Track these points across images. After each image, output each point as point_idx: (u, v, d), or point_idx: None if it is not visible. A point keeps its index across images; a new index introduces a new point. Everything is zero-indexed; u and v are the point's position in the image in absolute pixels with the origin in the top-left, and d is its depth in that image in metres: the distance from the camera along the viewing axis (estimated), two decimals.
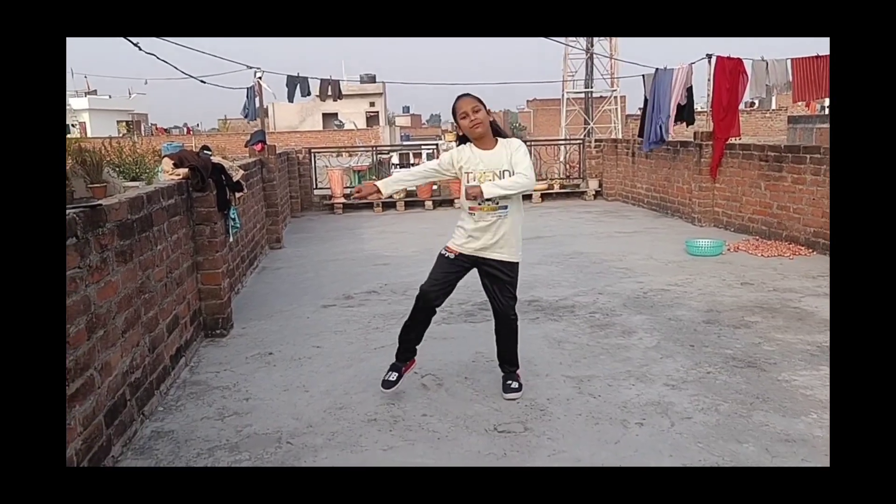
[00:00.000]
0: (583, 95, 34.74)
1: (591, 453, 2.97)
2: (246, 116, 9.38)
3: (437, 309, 3.58)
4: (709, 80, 8.60)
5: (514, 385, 3.58)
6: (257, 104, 8.74)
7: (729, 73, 8.28)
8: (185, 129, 44.06)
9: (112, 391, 2.98)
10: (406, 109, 67.52)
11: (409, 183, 3.93)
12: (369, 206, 11.75)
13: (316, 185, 12.19)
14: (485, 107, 3.37)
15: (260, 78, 8.41)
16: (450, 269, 3.49)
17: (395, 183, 3.70)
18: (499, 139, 3.44)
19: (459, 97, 3.40)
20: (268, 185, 8.13)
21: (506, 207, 3.39)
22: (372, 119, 40.64)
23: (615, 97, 34.78)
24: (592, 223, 9.65)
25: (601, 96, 35.32)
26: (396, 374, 3.59)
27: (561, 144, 14.71)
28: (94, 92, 44.89)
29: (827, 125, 29.33)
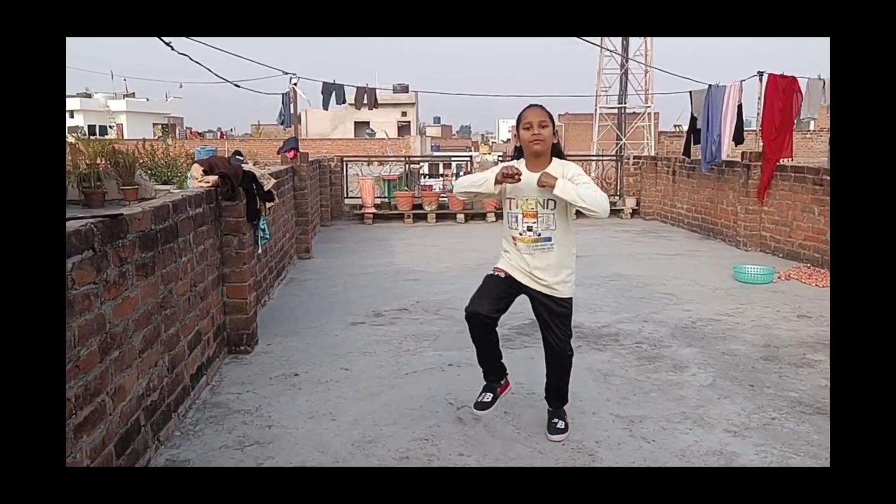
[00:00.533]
0: (615, 111, 34.32)
1: None
2: (282, 123, 9.22)
3: (497, 327, 3.21)
4: (759, 98, 8.22)
5: (561, 425, 3.27)
6: (292, 111, 8.58)
7: (782, 92, 7.90)
8: (219, 134, 44.51)
9: (125, 417, 2.74)
10: (437, 120, 67.61)
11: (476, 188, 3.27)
12: (400, 216, 11.52)
13: (347, 193, 12.00)
14: (553, 125, 3.07)
15: (295, 84, 8.25)
16: (498, 286, 3.14)
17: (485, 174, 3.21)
18: (554, 159, 3.13)
19: (530, 106, 3.09)
20: (299, 194, 7.93)
21: (549, 239, 3.08)
22: (403, 129, 40.64)
23: (649, 113, 34.31)
24: (631, 243, 9.29)
25: (634, 112, 34.89)
26: (491, 395, 3.30)
27: (595, 160, 14.36)
28: (133, 94, 45.68)
29: None
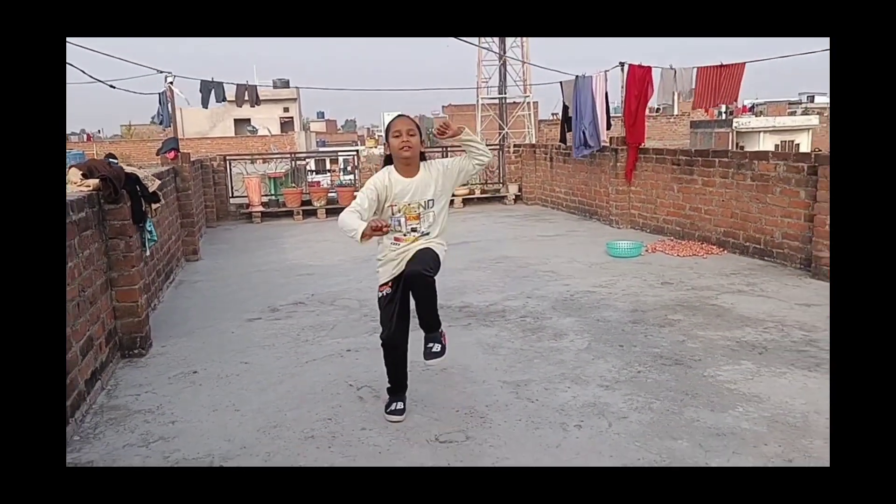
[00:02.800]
0: (496, 101, 35.27)
1: (534, 459, 2.98)
2: (161, 123, 8.93)
3: (406, 343, 3.39)
4: (622, 87, 8.91)
5: (436, 348, 3.26)
6: (170, 110, 8.36)
7: (638, 81, 8.62)
8: (86, 136, 41.68)
9: None
10: (321, 115, 66.48)
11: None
12: (289, 214, 11.47)
13: (232, 193, 11.78)
14: (421, 134, 3.28)
15: (171, 83, 8.03)
16: (393, 307, 3.29)
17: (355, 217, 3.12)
18: (421, 165, 3.30)
19: (398, 116, 3.29)
20: (182, 195, 7.77)
21: (428, 233, 3.29)
22: (286, 124, 39.81)
23: (528, 103, 35.54)
24: (515, 227, 9.79)
25: (515, 102, 36.02)
26: (402, 404, 3.44)
27: None
28: None
29: (724, 129, 31.10)
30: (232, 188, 11.80)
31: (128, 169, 4.36)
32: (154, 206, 4.63)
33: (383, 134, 3.39)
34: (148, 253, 4.91)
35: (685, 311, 5.13)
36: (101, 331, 4.03)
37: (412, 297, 3.31)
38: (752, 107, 38.97)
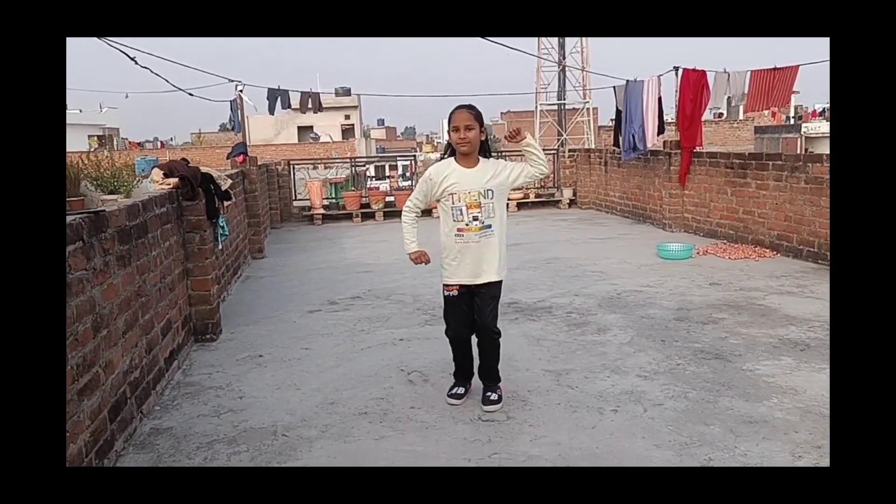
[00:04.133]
0: (556, 107, 35.21)
1: (569, 437, 3.17)
2: (232, 128, 9.49)
3: (471, 336, 3.61)
4: (676, 91, 8.95)
5: (493, 397, 3.52)
6: (240, 117, 8.89)
7: (693, 85, 8.64)
8: (159, 144, 43.76)
9: (115, 388, 3.12)
10: (381, 122, 67.66)
11: (415, 225, 3.64)
12: (349, 216, 11.91)
13: (295, 196, 12.31)
14: (481, 125, 3.37)
15: (241, 91, 8.55)
16: (460, 304, 3.50)
17: (413, 233, 3.61)
18: (481, 158, 3.44)
19: (458, 108, 3.35)
20: (250, 196, 8.26)
21: (490, 227, 3.39)
22: (347, 132, 40.78)
23: (588, 109, 35.37)
24: (568, 230, 9.92)
25: (574, 108, 35.89)
26: (464, 389, 3.65)
27: None
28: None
29: (793, 134, 30.18)
30: (295, 191, 12.34)
31: (203, 169, 4.77)
32: (226, 203, 5.04)
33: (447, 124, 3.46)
34: (220, 247, 5.33)
35: (730, 311, 5.20)
36: (178, 315, 4.44)
37: (478, 346, 3.59)
38: (823, 111, 37.65)
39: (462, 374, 3.70)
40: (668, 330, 4.77)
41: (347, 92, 40.16)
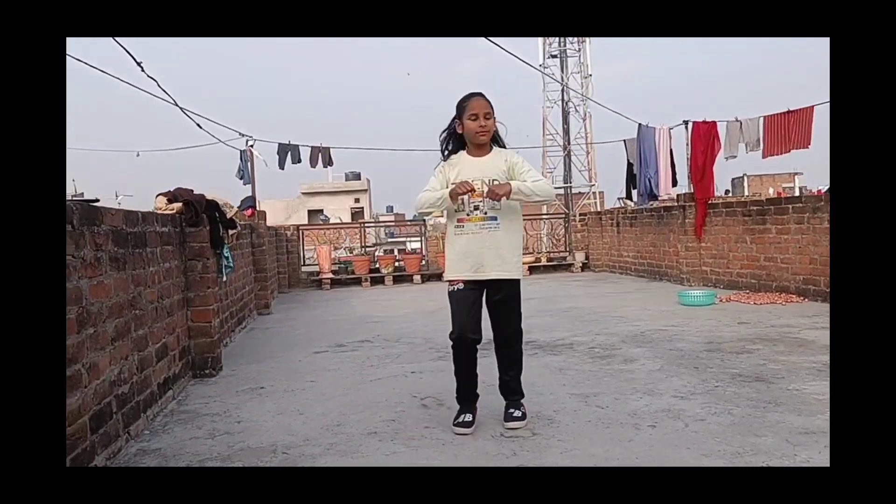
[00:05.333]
0: (561, 191, 35.63)
1: (604, 450, 2.82)
2: (241, 178, 9.46)
3: (478, 346, 3.21)
4: (687, 144, 8.91)
5: (517, 413, 3.20)
6: (250, 169, 8.87)
7: (703, 137, 8.61)
8: None
9: (98, 396, 2.82)
10: (390, 209, 68.66)
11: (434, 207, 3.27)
12: (357, 281, 11.71)
13: (304, 261, 12.17)
14: (494, 112, 3.15)
15: (252, 145, 8.57)
16: (466, 299, 3.14)
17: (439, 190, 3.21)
18: (495, 148, 3.24)
19: (473, 94, 3.14)
20: (257, 250, 8.10)
21: (495, 219, 3.13)
22: (357, 214, 41.22)
23: (594, 192, 35.79)
24: (582, 287, 9.66)
25: (580, 192, 36.32)
26: (472, 416, 3.17)
27: (545, 219, 14.98)
28: (82, 195, 45.36)
29: None
30: (304, 256, 12.20)
31: (208, 196, 4.62)
32: (231, 232, 4.86)
33: (455, 111, 3.21)
34: (224, 279, 5.10)
35: (764, 343, 4.87)
36: (176, 344, 4.16)
37: (497, 360, 3.31)
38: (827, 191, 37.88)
39: (466, 396, 3.24)
40: (699, 359, 4.44)
41: (357, 176, 40.92)
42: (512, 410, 3.22)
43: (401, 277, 11.86)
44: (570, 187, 34.88)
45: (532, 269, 12.22)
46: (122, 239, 3.26)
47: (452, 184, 3.12)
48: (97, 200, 2.96)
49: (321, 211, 38.95)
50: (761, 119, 8.30)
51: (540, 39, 37.72)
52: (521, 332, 3.27)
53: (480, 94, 3.17)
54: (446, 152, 3.29)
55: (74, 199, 2.69)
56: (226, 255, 4.88)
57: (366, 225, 14.58)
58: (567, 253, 12.78)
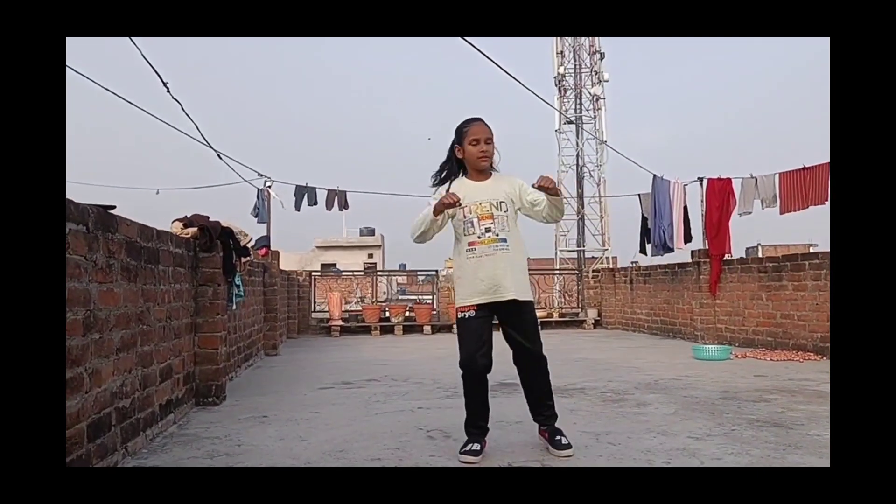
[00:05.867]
0: (574, 255, 35.61)
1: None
2: (256, 216, 9.53)
3: (489, 376, 3.15)
4: (701, 200, 8.93)
5: (565, 441, 3.08)
6: (266, 208, 8.95)
7: (718, 192, 8.62)
8: None
9: (99, 404, 2.76)
10: (403, 266, 68.98)
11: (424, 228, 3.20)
12: (367, 330, 11.61)
13: (314, 307, 12.13)
14: (493, 140, 3.16)
15: (269, 187, 8.67)
16: (476, 327, 3.09)
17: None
18: (494, 173, 3.23)
19: (474, 120, 3.15)
20: (268, 290, 8.08)
21: (505, 241, 3.09)
22: (370, 269, 41.35)
23: (607, 257, 35.79)
24: (594, 342, 9.51)
25: (593, 257, 36.32)
26: (479, 445, 3.08)
27: (557, 274, 14.90)
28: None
29: None
30: (315, 302, 12.17)
31: (223, 223, 4.65)
32: (244, 259, 4.85)
33: (455, 136, 3.21)
34: (234, 308, 5.07)
35: (782, 393, 4.73)
36: (181, 368, 4.10)
37: (523, 384, 3.25)
38: None
39: (476, 426, 3.14)
40: (715, 406, 4.30)
41: (371, 232, 41.24)
42: (559, 438, 3.12)
43: (411, 328, 11.76)
44: (584, 251, 35.05)
45: (543, 325, 12.08)
46: (136, 251, 3.26)
47: (460, 207, 3.09)
48: (114, 207, 2.97)
49: (334, 264, 39.15)
50: (777, 176, 8.32)
51: (556, 104, 38.59)
52: (542, 349, 3.19)
53: (480, 120, 3.18)
54: (441, 177, 3.25)
55: (92, 204, 2.69)
56: (237, 283, 4.87)
57: (378, 273, 14.56)
58: (579, 309, 12.65)
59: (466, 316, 3.12)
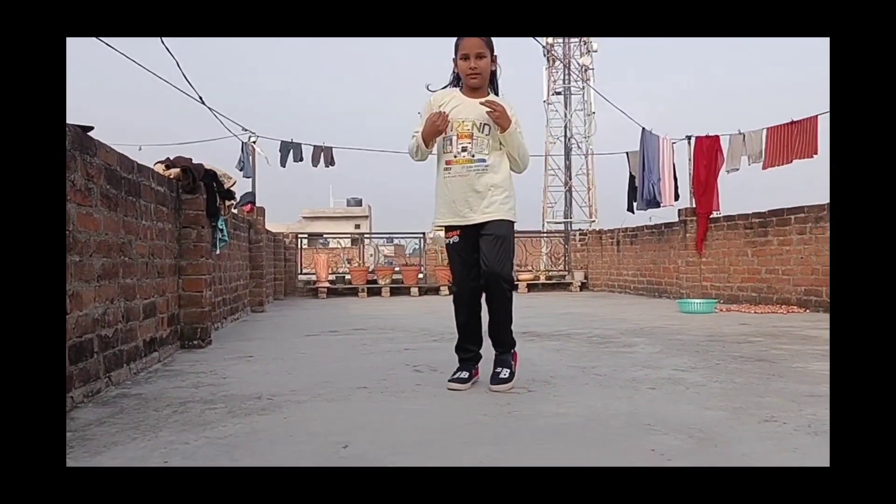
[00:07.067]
0: (562, 226, 35.76)
1: (602, 404, 2.70)
2: (241, 170, 9.42)
3: (480, 292, 3.07)
4: (689, 159, 8.92)
5: (504, 374, 2.98)
6: (251, 163, 8.84)
7: (706, 151, 8.61)
8: None
9: (80, 329, 2.72)
10: (389, 240, 68.91)
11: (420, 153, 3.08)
12: (354, 291, 11.59)
13: (301, 269, 12.08)
14: (492, 52, 2.98)
15: (254, 142, 8.55)
16: (459, 252, 3.02)
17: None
18: (491, 92, 3.07)
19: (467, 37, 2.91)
20: (254, 247, 8.02)
21: (483, 160, 2.95)
22: (357, 241, 41.24)
23: (594, 229, 35.92)
24: (580, 301, 9.56)
25: (580, 229, 36.44)
26: (468, 374, 3.02)
27: (545, 237, 14.91)
28: None
29: None
30: (301, 265, 12.12)
31: (206, 165, 4.57)
32: (228, 203, 4.79)
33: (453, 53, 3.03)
34: (218, 252, 5.02)
35: (766, 337, 4.77)
36: (166, 308, 4.06)
37: (486, 302, 3.08)
38: None
39: (464, 349, 3.10)
40: (700, 346, 4.34)
41: (359, 202, 41.05)
42: (498, 370, 3.01)
43: (398, 290, 11.76)
44: (571, 223, 35.18)
45: (530, 287, 12.11)
46: (116, 180, 3.19)
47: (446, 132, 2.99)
48: (92, 128, 2.89)
49: (321, 235, 38.99)
50: (765, 131, 8.31)
51: (545, 75, 38.32)
52: (511, 279, 3.05)
53: (474, 36, 2.95)
54: (435, 88, 3.12)
55: (68, 123, 2.61)
56: (221, 227, 4.81)
57: (366, 236, 14.51)
58: (566, 272, 12.69)
59: (451, 242, 3.08)
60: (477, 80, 2.99)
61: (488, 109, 2.90)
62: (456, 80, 3.12)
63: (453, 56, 3.04)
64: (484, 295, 3.09)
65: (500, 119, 2.90)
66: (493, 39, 3.03)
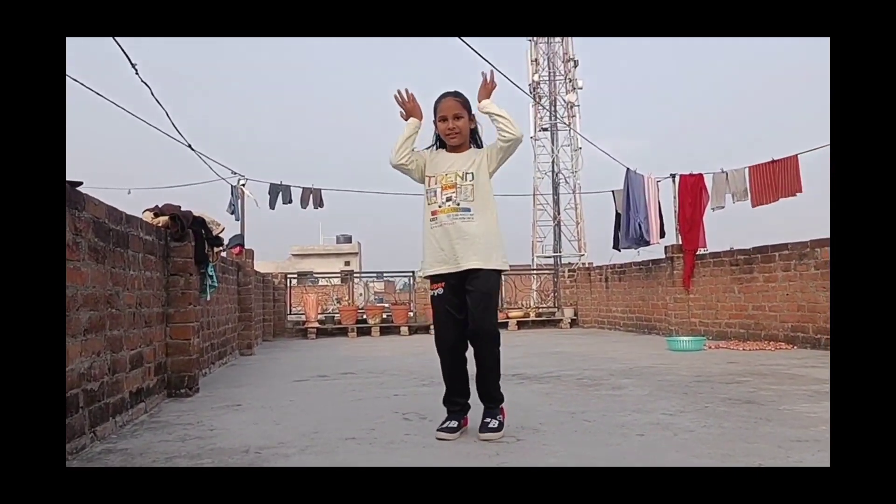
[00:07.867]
0: (551, 260, 35.83)
1: (591, 452, 2.71)
2: (232, 213, 9.43)
3: (466, 353, 3.12)
4: (674, 197, 9.03)
5: (493, 424, 2.97)
6: (240, 206, 8.87)
7: (691, 189, 8.74)
8: None
9: (66, 384, 2.70)
10: (380, 276, 68.77)
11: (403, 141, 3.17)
12: (344, 331, 11.54)
13: (290, 310, 12.03)
14: (469, 112, 3.10)
15: (243, 185, 8.60)
16: (443, 304, 3.06)
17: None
18: (472, 147, 3.17)
19: (445, 95, 3.10)
20: (243, 289, 8.00)
21: (468, 210, 3.01)
22: (347, 278, 41.14)
23: (583, 263, 36.03)
24: (571, 340, 9.56)
25: (570, 263, 36.60)
26: (457, 423, 3.03)
27: (534, 274, 14.96)
28: None
29: None
30: (290, 305, 12.07)
31: (195, 212, 4.60)
32: (216, 249, 4.80)
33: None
34: (208, 298, 5.00)
35: (754, 376, 4.79)
36: (153, 357, 4.04)
37: (474, 356, 3.10)
38: None
39: (452, 401, 3.10)
40: (689, 387, 4.35)
41: (348, 239, 41.08)
42: (488, 420, 3.00)
43: (388, 329, 11.71)
44: (560, 257, 35.30)
45: (520, 325, 12.11)
46: (104, 232, 3.21)
47: (427, 176, 3.12)
48: (81, 183, 2.92)
49: (310, 273, 38.90)
50: (747, 169, 8.45)
51: (531, 112, 38.85)
52: (497, 333, 3.06)
53: (452, 94, 3.11)
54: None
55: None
56: (210, 273, 4.81)
57: (356, 274, 14.50)
58: (556, 309, 12.71)
59: (436, 294, 3.11)
60: (456, 139, 3.10)
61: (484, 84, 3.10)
62: (438, 141, 3.21)
63: (433, 119, 3.14)
64: (473, 346, 3.10)
65: (486, 86, 3.08)
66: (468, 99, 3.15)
